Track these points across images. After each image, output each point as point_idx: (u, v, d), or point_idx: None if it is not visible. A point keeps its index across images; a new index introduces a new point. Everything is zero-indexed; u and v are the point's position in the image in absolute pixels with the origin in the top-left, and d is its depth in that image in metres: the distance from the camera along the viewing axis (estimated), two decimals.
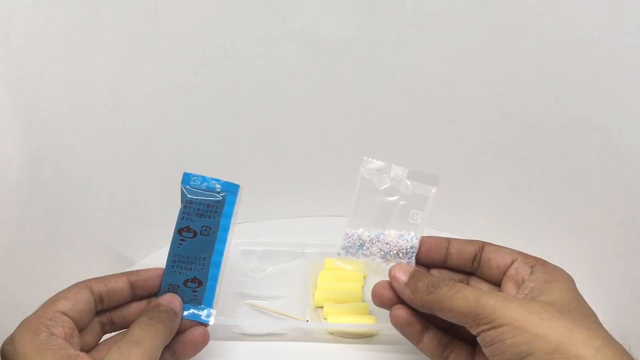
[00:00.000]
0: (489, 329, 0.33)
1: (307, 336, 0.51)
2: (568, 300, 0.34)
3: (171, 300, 0.39)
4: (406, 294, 0.38)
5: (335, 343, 0.51)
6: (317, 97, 0.57)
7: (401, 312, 0.40)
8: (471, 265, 0.41)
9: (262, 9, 0.52)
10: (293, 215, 0.65)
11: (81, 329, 0.36)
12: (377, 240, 0.41)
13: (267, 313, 0.53)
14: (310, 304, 0.53)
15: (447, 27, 0.51)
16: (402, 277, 0.39)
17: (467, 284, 0.41)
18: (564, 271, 0.37)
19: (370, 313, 0.53)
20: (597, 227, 0.52)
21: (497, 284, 0.40)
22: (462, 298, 0.35)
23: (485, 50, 0.51)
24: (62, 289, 0.36)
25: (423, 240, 0.41)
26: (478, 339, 0.34)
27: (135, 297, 0.39)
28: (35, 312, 0.34)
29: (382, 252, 0.41)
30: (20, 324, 0.33)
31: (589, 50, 0.47)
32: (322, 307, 0.54)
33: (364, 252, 0.41)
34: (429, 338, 0.40)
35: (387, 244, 0.41)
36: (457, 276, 0.42)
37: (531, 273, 0.37)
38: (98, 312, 0.38)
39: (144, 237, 0.59)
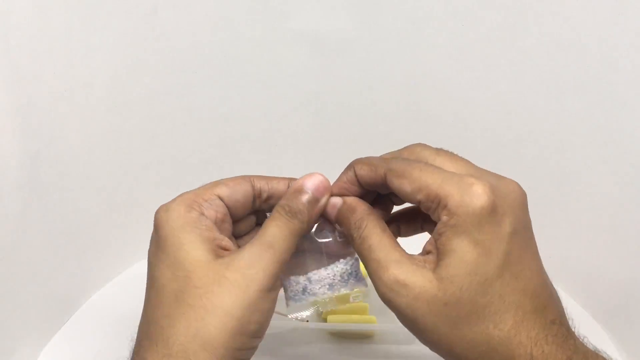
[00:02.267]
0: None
1: (307, 336, 0.51)
2: (464, 273, 0.29)
3: (314, 185, 0.34)
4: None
5: (335, 343, 0.51)
6: (317, 97, 0.57)
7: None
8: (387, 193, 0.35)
9: (262, 8, 0.52)
10: None
11: (236, 218, 0.35)
12: (316, 276, 0.36)
13: None
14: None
15: (447, 27, 0.51)
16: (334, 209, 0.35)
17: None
18: (467, 208, 0.29)
19: (370, 313, 0.53)
20: (597, 227, 0.52)
21: None
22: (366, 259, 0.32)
23: (485, 50, 0.51)
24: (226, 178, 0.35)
25: (336, 185, 0.35)
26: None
27: None
28: (195, 190, 0.34)
29: (327, 285, 0.36)
30: (178, 196, 0.34)
31: (589, 50, 0.47)
32: None
33: (309, 291, 0.36)
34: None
35: (327, 273, 0.36)
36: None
37: (438, 217, 0.30)
38: (257, 211, 0.36)
39: (144, 237, 0.59)
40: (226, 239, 0.33)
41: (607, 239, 0.51)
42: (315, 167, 0.65)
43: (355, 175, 0.35)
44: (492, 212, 0.29)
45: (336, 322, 0.52)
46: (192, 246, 0.31)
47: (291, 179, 0.36)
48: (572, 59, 0.48)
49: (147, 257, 0.34)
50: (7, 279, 0.45)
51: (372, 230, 0.33)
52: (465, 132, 0.56)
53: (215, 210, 0.33)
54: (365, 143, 0.60)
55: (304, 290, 0.36)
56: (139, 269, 0.61)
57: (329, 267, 0.36)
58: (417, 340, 0.49)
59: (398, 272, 0.30)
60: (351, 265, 0.36)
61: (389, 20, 0.52)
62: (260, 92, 0.57)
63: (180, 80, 0.54)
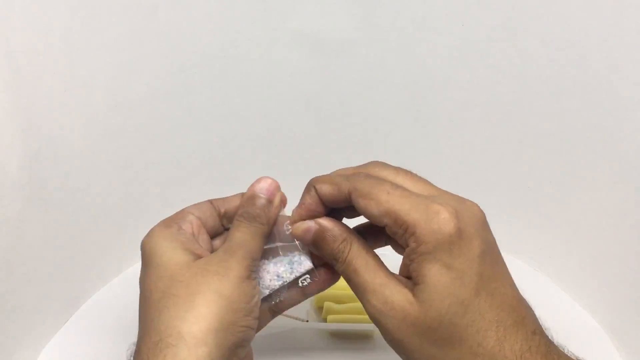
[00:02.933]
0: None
1: (307, 336, 0.51)
2: (441, 297, 0.30)
3: (265, 188, 0.37)
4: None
5: (335, 343, 0.51)
6: (317, 97, 0.57)
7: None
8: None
9: (262, 8, 0.52)
10: None
11: (210, 233, 0.38)
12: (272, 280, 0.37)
13: None
14: (310, 304, 0.53)
15: (447, 27, 0.51)
16: (308, 237, 0.35)
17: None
18: (434, 234, 0.30)
19: None
20: (597, 227, 0.52)
21: None
22: (353, 285, 0.33)
23: (485, 50, 0.51)
24: None
25: (298, 211, 0.36)
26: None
27: None
28: (170, 215, 0.37)
29: (276, 276, 0.37)
30: (158, 223, 0.37)
31: (589, 50, 0.47)
32: (322, 307, 0.54)
33: (262, 285, 0.37)
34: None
35: (278, 276, 0.37)
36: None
37: (406, 243, 0.31)
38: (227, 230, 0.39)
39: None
40: (203, 248, 0.36)
41: (607, 239, 0.51)
42: (315, 167, 0.65)
43: (317, 195, 0.35)
44: (459, 237, 0.30)
45: (336, 322, 0.52)
46: (174, 252, 0.34)
47: (242, 193, 0.38)
48: (572, 59, 0.48)
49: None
50: (7, 279, 0.45)
51: (356, 252, 0.34)
52: (465, 133, 0.56)
53: (190, 224, 0.37)
54: (365, 143, 0.60)
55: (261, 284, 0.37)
56: (139, 269, 0.61)
57: (277, 259, 0.37)
58: None
59: (386, 294, 0.32)
60: (298, 254, 0.37)
61: (389, 20, 0.52)
62: (260, 92, 0.57)
63: (180, 80, 0.54)
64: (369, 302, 0.32)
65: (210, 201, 0.39)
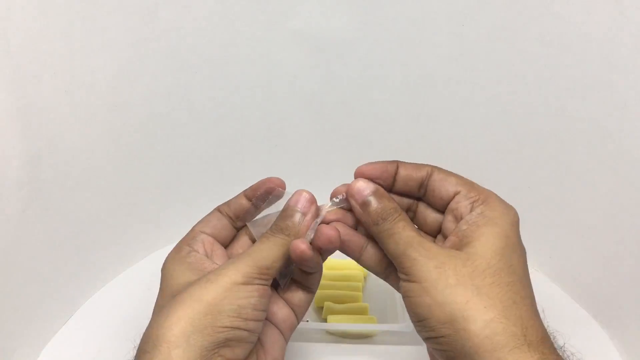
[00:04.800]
0: (405, 280, 0.34)
1: (307, 336, 0.51)
2: (493, 252, 0.33)
3: (297, 199, 0.38)
4: (357, 213, 0.38)
5: (335, 343, 0.51)
6: (317, 97, 0.57)
7: (340, 229, 0.38)
8: (417, 192, 0.39)
9: (262, 8, 0.52)
10: None
11: (225, 243, 0.41)
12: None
13: None
14: (310, 304, 0.53)
15: (447, 27, 0.51)
16: (365, 192, 0.37)
17: (415, 210, 0.39)
18: (504, 212, 0.35)
19: (370, 313, 0.53)
20: (597, 227, 0.52)
21: (443, 211, 0.38)
22: (394, 241, 0.35)
23: (485, 50, 0.51)
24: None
25: (370, 167, 0.38)
26: (400, 285, 0.35)
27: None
28: (184, 236, 0.40)
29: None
30: (172, 248, 0.39)
31: (589, 50, 0.47)
32: (322, 307, 0.54)
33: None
34: (368, 255, 0.39)
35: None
36: (406, 201, 0.40)
37: (470, 210, 0.35)
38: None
39: (144, 237, 0.59)
40: (217, 264, 0.38)
41: (607, 239, 0.51)
42: (315, 167, 0.65)
43: (395, 171, 0.38)
44: (517, 224, 0.35)
45: (336, 322, 0.52)
46: (181, 274, 0.36)
47: (244, 191, 0.41)
48: (572, 59, 0.48)
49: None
50: (7, 279, 0.45)
51: (405, 215, 0.37)
52: (465, 133, 0.56)
53: (202, 242, 0.39)
54: (365, 143, 0.60)
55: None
56: (139, 269, 0.62)
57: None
58: (416, 341, 0.49)
59: (430, 245, 0.34)
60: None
61: (389, 20, 0.52)
62: (260, 92, 0.57)
63: (180, 80, 0.54)
64: (409, 256, 0.34)
65: (218, 210, 0.41)
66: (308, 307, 0.41)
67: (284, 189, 0.40)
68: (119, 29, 0.48)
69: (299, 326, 0.50)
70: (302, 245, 0.36)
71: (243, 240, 0.41)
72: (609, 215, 0.50)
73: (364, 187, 0.37)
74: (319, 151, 0.61)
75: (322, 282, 0.56)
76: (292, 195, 0.39)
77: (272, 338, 0.38)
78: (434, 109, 0.56)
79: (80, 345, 0.50)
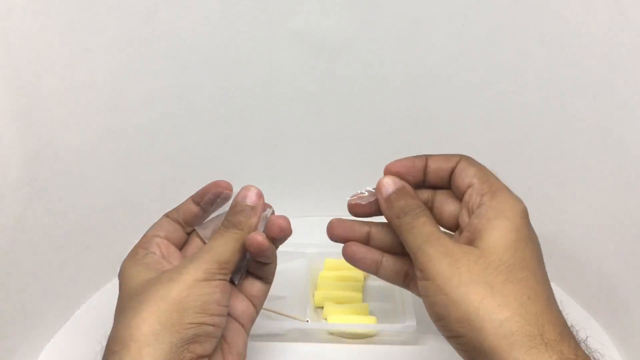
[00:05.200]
0: (421, 278, 0.34)
1: (307, 336, 0.51)
2: (504, 247, 0.33)
3: (245, 195, 0.40)
4: (383, 207, 0.38)
5: (335, 343, 0.51)
6: (317, 97, 0.57)
7: (353, 248, 0.40)
8: (448, 183, 0.39)
9: (262, 8, 0.52)
10: (293, 215, 0.65)
11: (178, 246, 0.42)
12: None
13: (267, 313, 0.53)
14: (310, 304, 0.53)
15: (447, 27, 0.51)
16: (390, 188, 0.38)
17: (432, 206, 0.40)
18: (513, 204, 0.35)
19: (370, 313, 0.53)
20: (597, 227, 0.52)
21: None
22: (413, 235, 0.35)
23: (485, 50, 0.51)
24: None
25: (398, 164, 0.40)
26: (418, 284, 0.35)
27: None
28: (136, 244, 0.40)
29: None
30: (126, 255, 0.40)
31: (589, 50, 0.47)
32: (322, 307, 0.54)
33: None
34: (384, 269, 0.40)
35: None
36: (425, 195, 0.40)
37: (479, 204, 0.35)
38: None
39: None
40: (173, 264, 0.39)
41: (607, 239, 0.51)
42: (315, 167, 0.65)
43: (425, 166, 0.39)
44: (527, 216, 0.35)
45: (336, 322, 0.52)
46: (137, 274, 0.37)
47: (192, 196, 0.42)
48: (572, 59, 0.48)
49: None
50: (7, 279, 0.45)
51: (427, 211, 0.37)
52: (466, 132, 0.56)
53: (157, 246, 0.40)
54: (365, 143, 0.60)
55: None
56: None
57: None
58: (417, 340, 0.49)
59: (446, 241, 0.34)
60: None
61: (389, 20, 0.52)
62: (261, 93, 0.57)
63: (180, 80, 0.54)
64: (425, 252, 0.34)
65: (167, 215, 0.42)
66: (265, 298, 0.42)
67: (232, 191, 0.41)
68: (119, 29, 0.48)
69: (299, 326, 0.51)
70: (258, 237, 0.37)
71: (195, 243, 0.42)
72: (609, 215, 0.50)
73: (390, 184, 0.38)
74: (319, 151, 0.61)
75: (322, 282, 0.56)
76: (240, 191, 0.40)
77: (233, 332, 0.39)
78: (434, 109, 0.56)
79: (80, 345, 0.50)
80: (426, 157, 0.39)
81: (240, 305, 0.40)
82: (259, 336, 0.51)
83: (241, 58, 0.54)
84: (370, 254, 0.40)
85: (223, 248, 0.37)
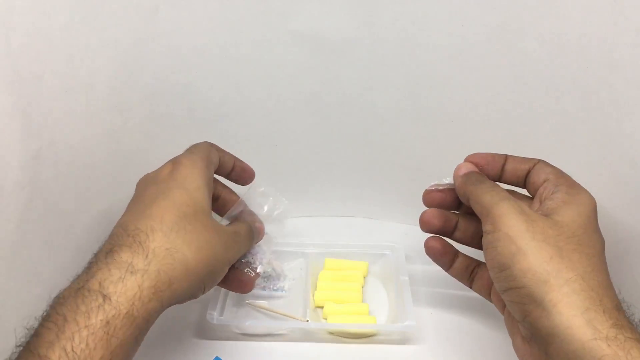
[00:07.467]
0: (491, 231, 0.36)
1: (307, 336, 0.51)
2: (577, 225, 0.35)
3: (261, 228, 0.50)
4: (458, 181, 0.42)
5: (335, 343, 0.51)
6: (317, 97, 0.57)
7: (435, 243, 0.45)
8: (524, 183, 0.43)
9: (262, 8, 0.52)
10: (293, 215, 0.65)
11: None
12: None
13: (267, 313, 0.53)
14: (310, 304, 0.53)
15: (447, 27, 0.51)
16: (466, 169, 0.43)
17: (458, 221, 0.44)
18: (588, 196, 0.39)
19: (370, 313, 0.53)
20: None
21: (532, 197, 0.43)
22: (490, 196, 0.38)
23: (485, 50, 0.51)
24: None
25: (477, 155, 0.44)
26: (482, 241, 0.37)
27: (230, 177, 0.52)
28: (208, 153, 0.48)
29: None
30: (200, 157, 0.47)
31: (589, 50, 0.47)
32: (322, 307, 0.54)
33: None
34: (459, 264, 0.45)
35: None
36: (453, 219, 0.45)
37: (553, 192, 0.39)
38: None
39: None
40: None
41: (606, 239, 0.51)
42: (315, 167, 0.65)
43: (503, 164, 0.43)
44: (596, 213, 0.38)
45: (336, 322, 0.52)
46: (200, 191, 0.44)
47: (236, 158, 0.52)
48: (572, 59, 0.48)
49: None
50: (7, 279, 0.45)
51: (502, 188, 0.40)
52: (465, 132, 0.56)
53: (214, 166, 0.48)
54: (365, 143, 0.60)
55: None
56: None
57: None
58: (416, 340, 0.49)
59: (519, 203, 0.37)
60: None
61: (389, 20, 0.52)
62: (260, 92, 0.57)
63: (180, 80, 0.54)
64: (502, 206, 0.37)
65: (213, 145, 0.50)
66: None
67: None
68: (119, 28, 0.48)
69: (299, 326, 0.51)
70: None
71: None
72: (609, 215, 0.50)
73: (467, 166, 0.43)
74: (319, 151, 0.61)
75: (322, 282, 0.56)
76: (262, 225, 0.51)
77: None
78: (434, 109, 0.56)
79: None
80: (506, 156, 0.44)
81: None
82: (259, 336, 0.51)
83: (241, 58, 0.54)
84: (450, 248, 0.45)
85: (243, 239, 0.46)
